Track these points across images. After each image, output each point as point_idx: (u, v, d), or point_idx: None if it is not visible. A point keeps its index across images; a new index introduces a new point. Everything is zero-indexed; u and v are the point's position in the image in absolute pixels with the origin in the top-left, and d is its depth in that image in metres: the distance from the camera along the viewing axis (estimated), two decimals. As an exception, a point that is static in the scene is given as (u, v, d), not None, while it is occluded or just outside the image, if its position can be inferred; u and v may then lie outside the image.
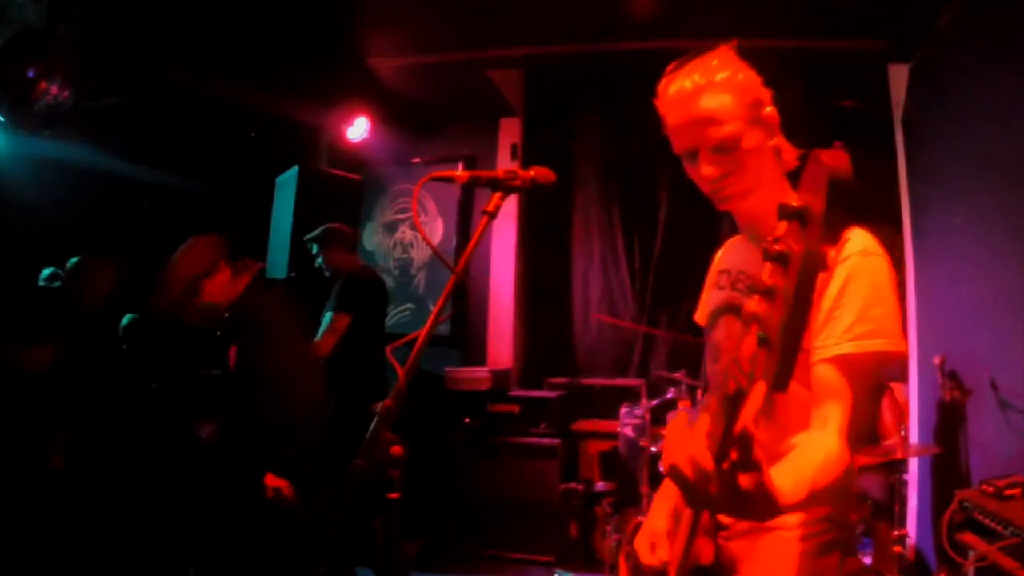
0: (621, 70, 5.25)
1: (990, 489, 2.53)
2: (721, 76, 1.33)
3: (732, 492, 0.96)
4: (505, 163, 5.92)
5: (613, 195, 5.84)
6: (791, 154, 1.41)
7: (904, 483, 3.71)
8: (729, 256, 1.62)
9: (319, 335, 3.82)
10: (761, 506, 1.01)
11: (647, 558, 1.40)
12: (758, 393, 0.89)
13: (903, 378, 4.60)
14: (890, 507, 3.61)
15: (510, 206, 5.71)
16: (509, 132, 6.05)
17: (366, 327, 3.93)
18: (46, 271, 4.46)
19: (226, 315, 3.00)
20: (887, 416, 4.09)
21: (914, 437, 4.24)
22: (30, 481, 3.01)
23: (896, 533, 3.50)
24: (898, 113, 4.72)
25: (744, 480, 0.96)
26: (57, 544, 2.97)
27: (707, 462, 0.97)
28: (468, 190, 6.00)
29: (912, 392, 4.49)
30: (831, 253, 1.16)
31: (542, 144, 5.89)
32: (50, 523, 3.01)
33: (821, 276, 1.08)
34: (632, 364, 5.64)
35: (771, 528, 1.29)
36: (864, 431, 1.31)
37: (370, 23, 4.84)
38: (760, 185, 1.38)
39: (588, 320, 5.86)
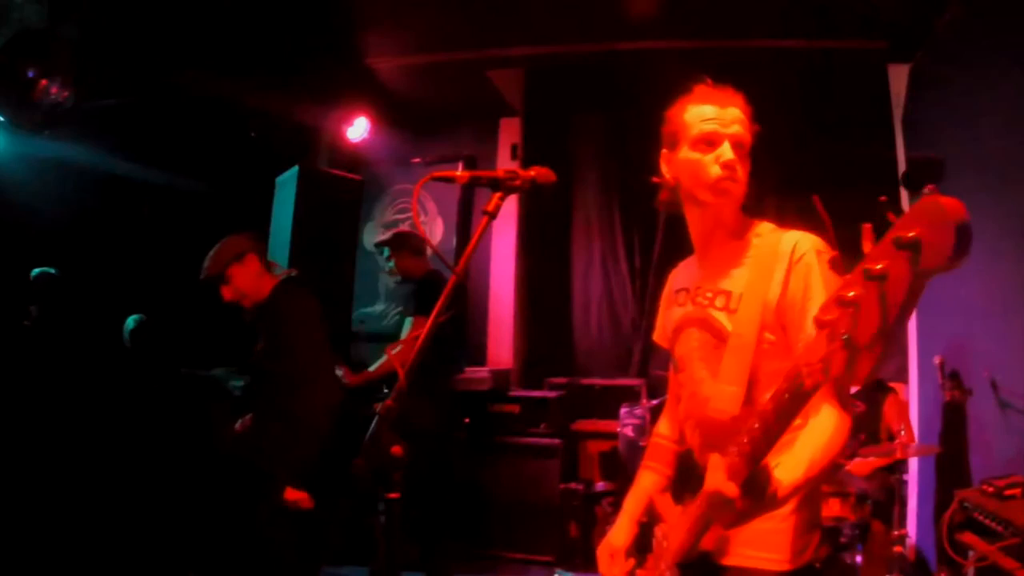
0: (621, 70, 5.24)
1: (990, 489, 2.53)
2: (743, 103, 1.58)
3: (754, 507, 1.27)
4: (505, 163, 5.92)
5: (613, 195, 5.84)
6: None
7: (904, 483, 3.70)
8: (682, 277, 1.77)
9: (402, 341, 3.81)
10: (771, 506, 1.30)
11: (606, 569, 1.52)
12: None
13: (904, 378, 4.60)
14: (890, 507, 3.61)
15: (510, 206, 5.70)
16: (509, 132, 6.05)
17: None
18: (35, 271, 4.45)
19: (251, 310, 3.03)
20: (889, 417, 4.09)
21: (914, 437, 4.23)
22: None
23: (896, 533, 3.50)
24: (898, 113, 4.71)
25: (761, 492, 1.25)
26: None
27: (732, 490, 1.24)
28: (468, 190, 5.99)
29: (912, 392, 4.49)
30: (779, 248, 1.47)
31: (542, 144, 5.89)
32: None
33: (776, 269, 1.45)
34: (632, 364, 5.64)
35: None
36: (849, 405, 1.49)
37: (370, 23, 4.84)
38: (737, 200, 1.59)
39: (588, 320, 5.86)
